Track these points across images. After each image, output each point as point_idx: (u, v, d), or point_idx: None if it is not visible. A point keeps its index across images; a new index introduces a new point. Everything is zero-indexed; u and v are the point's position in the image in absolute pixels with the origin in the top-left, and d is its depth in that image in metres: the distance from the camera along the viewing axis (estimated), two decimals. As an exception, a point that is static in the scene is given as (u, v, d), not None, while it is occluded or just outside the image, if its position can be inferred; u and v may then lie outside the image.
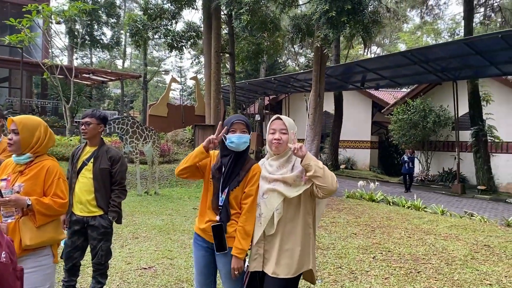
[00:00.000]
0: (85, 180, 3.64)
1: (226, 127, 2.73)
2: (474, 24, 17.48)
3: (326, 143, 23.21)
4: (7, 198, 2.46)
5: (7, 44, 14.81)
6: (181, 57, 43.27)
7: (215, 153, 2.89)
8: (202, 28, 18.44)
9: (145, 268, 5.01)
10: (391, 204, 10.91)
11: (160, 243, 6.15)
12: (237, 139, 2.69)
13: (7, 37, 13.99)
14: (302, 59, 37.58)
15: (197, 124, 16.98)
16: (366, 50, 33.93)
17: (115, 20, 29.28)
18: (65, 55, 31.74)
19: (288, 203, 2.61)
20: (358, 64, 16.56)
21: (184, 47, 19.17)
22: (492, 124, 15.92)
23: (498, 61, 13.70)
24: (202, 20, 18.56)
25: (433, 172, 19.09)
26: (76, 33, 20.47)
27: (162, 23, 18.24)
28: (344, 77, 18.78)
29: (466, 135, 16.80)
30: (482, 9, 23.29)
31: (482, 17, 23.80)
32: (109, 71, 25.56)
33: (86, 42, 28.04)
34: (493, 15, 23.43)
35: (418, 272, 5.17)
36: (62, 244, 3.75)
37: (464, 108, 16.44)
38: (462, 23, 19.76)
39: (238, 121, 2.75)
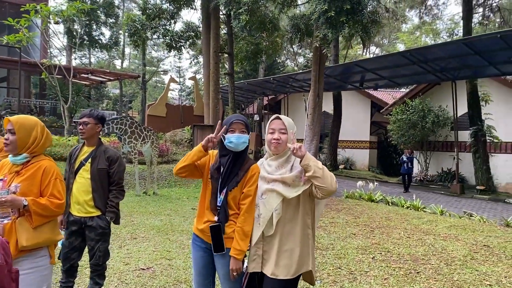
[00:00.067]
0: (83, 181, 3.63)
1: (225, 126, 2.71)
2: (472, 24, 17.46)
3: (325, 143, 23.19)
4: (3, 199, 2.43)
5: (5, 44, 14.78)
6: (179, 57, 43.11)
7: (214, 152, 2.87)
8: (200, 28, 18.42)
9: (143, 269, 4.98)
10: (390, 204, 10.89)
11: (158, 244, 6.12)
12: (236, 139, 2.67)
13: (5, 37, 13.95)
14: (301, 59, 37.59)
15: (196, 124, 16.96)
16: (365, 50, 33.96)
17: (114, 20, 29.26)
18: (63, 55, 31.72)
19: (287, 204, 2.58)
20: (357, 64, 16.55)
21: (182, 47, 19.14)
22: (491, 124, 15.93)
23: (497, 61, 13.69)
24: (200, 20, 18.56)
25: (432, 172, 19.09)
26: (74, 33, 20.36)
27: (160, 23, 18.20)
28: (343, 77, 18.76)
29: (465, 135, 16.81)
30: (480, 10, 23.29)
31: (480, 17, 23.79)
32: (108, 71, 25.50)
33: (85, 42, 28.02)
34: (491, 15, 23.44)
35: (417, 272, 5.15)
36: (59, 245, 3.72)
37: (463, 108, 16.44)
38: (461, 23, 19.80)
39: (237, 121, 2.72)
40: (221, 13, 17.18)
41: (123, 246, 5.94)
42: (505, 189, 16.47)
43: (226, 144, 2.70)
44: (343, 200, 11.23)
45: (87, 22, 26.60)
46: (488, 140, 15.85)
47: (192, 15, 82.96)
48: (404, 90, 25.29)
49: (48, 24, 15.94)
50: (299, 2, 14.58)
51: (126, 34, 19.32)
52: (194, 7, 18.18)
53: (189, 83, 39.73)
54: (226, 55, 19.11)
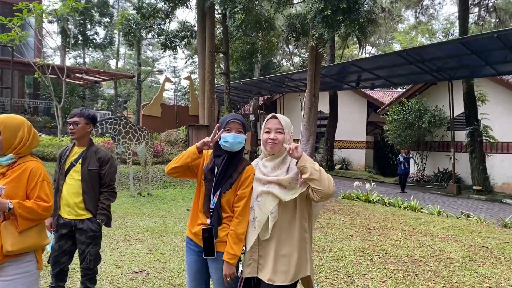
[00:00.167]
0: (73, 182, 3.53)
1: (221, 128, 2.62)
2: (468, 24, 17.44)
3: (321, 143, 23.15)
4: (-13, 202, 2.33)
5: (-2, 43, 14.64)
6: (175, 57, 43.13)
7: (208, 152, 2.77)
8: (196, 28, 18.29)
9: (136, 272, 4.88)
10: (387, 205, 10.82)
11: (152, 246, 6.02)
12: (232, 139, 2.57)
13: (-3, 36, 13.82)
14: (296, 59, 37.54)
15: (191, 124, 16.84)
16: (361, 50, 33.94)
17: (108, 20, 29.07)
18: (57, 55, 31.51)
19: (284, 207, 2.49)
20: (353, 63, 16.48)
21: (178, 47, 19.02)
22: (487, 124, 15.91)
23: (494, 61, 13.67)
24: (196, 19, 18.42)
25: (429, 172, 19.07)
26: (68, 33, 20.21)
27: (155, 22, 18.08)
28: (339, 77, 18.71)
29: (461, 135, 16.77)
30: (476, 10, 23.32)
31: (476, 17, 23.84)
32: (102, 71, 25.35)
33: (79, 41, 27.85)
34: (487, 15, 23.48)
35: (416, 274, 5.08)
36: (49, 248, 3.63)
37: (459, 108, 16.42)
38: (457, 23, 19.76)
39: (234, 120, 2.63)
40: (216, 12, 17.09)
41: (116, 249, 5.84)
42: (501, 189, 16.47)
43: (222, 144, 2.60)
44: (340, 201, 11.16)
45: (81, 21, 26.45)
46: (485, 140, 15.84)
47: (187, 14, 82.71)
48: (400, 90, 25.31)
49: (42, 23, 15.77)
50: (295, 1, 14.54)
51: (121, 33, 19.17)
52: (189, 6, 18.06)
53: (185, 83, 39.65)
54: (221, 55, 19.04)
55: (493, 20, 24.80)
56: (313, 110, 13.25)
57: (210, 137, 2.60)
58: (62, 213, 3.52)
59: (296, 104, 24.37)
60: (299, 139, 13.56)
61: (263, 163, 2.63)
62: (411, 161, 17.72)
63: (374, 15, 11.91)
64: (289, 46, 32.00)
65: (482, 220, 8.91)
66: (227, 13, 13.40)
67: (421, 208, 10.15)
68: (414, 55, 14.20)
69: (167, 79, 24.04)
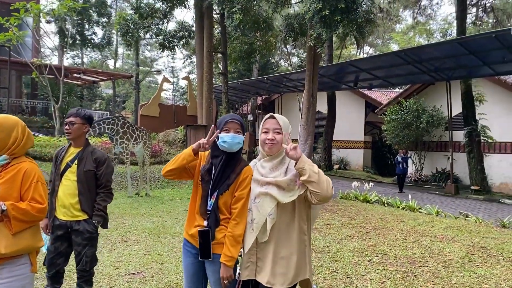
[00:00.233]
0: (69, 183, 3.48)
1: (218, 130, 2.57)
2: (466, 24, 17.43)
3: (319, 143, 23.10)
4: (-21, 204, 2.28)
5: (-5, 43, 14.54)
6: (173, 57, 43.08)
7: (205, 153, 2.71)
8: (194, 28, 18.25)
9: (133, 274, 4.83)
10: (385, 205, 10.79)
11: (150, 247, 5.97)
12: (231, 139, 2.53)
13: (-6, 36, 13.73)
14: (294, 59, 37.51)
15: (189, 124, 16.78)
16: (358, 50, 33.93)
17: (106, 20, 28.99)
18: (55, 55, 31.41)
19: (282, 208, 2.45)
20: (351, 63, 16.46)
21: (176, 47, 18.97)
22: (485, 124, 15.90)
23: (492, 61, 13.65)
24: (194, 19, 18.39)
25: (427, 172, 19.05)
26: (66, 33, 20.17)
27: (153, 22, 18.02)
28: (337, 77, 18.67)
29: (459, 135, 16.78)
30: (474, 10, 23.33)
31: (474, 18, 23.85)
32: (100, 71, 25.27)
33: (77, 41, 27.75)
34: (485, 15, 23.49)
35: (415, 275, 5.04)
36: (44, 250, 3.58)
37: (457, 108, 16.41)
38: (454, 24, 19.79)
39: (232, 120, 2.58)
40: (214, 12, 17.03)
41: (114, 250, 5.78)
42: (499, 189, 16.46)
43: (219, 144, 2.56)
44: (338, 201, 11.12)
45: (79, 21, 26.36)
46: (483, 140, 15.82)
47: (185, 15, 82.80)
48: (398, 90, 25.26)
49: (39, 23, 15.69)
50: (293, 1, 14.49)
51: (119, 33, 19.10)
52: (187, 6, 18.02)
53: (183, 83, 39.61)
54: (219, 55, 18.99)
55: (490, 21, 24.82)
56: (311, 110, 13.20)
57: (206, 138, 2.55)
58: (57, 214, 3.47)
59: (294, 104, 24.34)
60: (297, 139, 13.51)
61: (261, 164, 2.59)
62: (409, 161, 17.70)
63: (372, 15, 11.86)
64: (287, 46, 32.00)
65: (480, 220, 8.89)
66: (225, 13, 13.37)
67: (419, 208, 10.12)
68: (412, 55, 14.17)
69: (165, 79, 23.97)
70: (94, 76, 24.01)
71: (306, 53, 15.60)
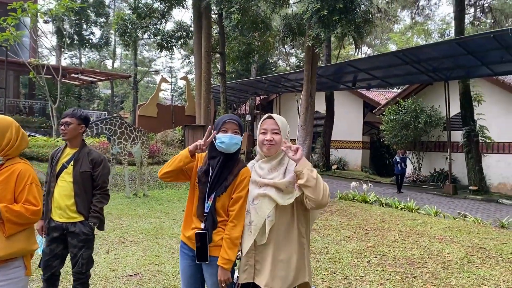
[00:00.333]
0: (65, 184, 3.43)
1: (215, 130, 2.53)
2: (464, 25, 17.42)
3: (318, 143, 23.09)
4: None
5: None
6: (171, 57, 42.99)
7: (202, 154, 2.67)
8: (192, 28, 18.21)
9: (130, 275, 4.78)
10: (384, 205, 10.75)
11: (147, 248, 5.92)
12: (228, 140, 2.49)
13: (-9, 36, 13.66)
14: (293, 59, 37.47)
15: (187, 125, 16.75)
16: (357, 51, 33.89)
17: (104, 20, 28.92)
18: (53, 55, 31.31)
19: (281, 210, 2.41)
20: (349, 64, 16.45)
21: (174, 47, 18.95)
22: (483, 125, 15.91)
23: (490, 61, 13.65)
24: (192, 19, 18.35)
25: (425, 172, 19.05)
26: (64, 33, 20.09)
27: (151, 22, 17.99)
28: (336, 77, 18.66)
29: (457, 136, 16.78)
30: (472, 10, 23.34)
31: (472, 18, 23.86)
32: (98, 71, 25.22)
33: (75, 41, 27.67)
34: (483, 16, 23.50)
35: (414, 277, 5.00)
36: (39, 252, 3.53)
37: (455, 109, 16.40)
38: (452, 24, 19.81)
39: (230, 121, 2.54)
40: (212, 12, 17.01)
41: (111, 251, 5.73)
42: (497, 189, 16.47)
43: (217, 145, 2.51)
44: (337, 202, 11.09)
45: (77, 21, 26.28)
46: (481, 140, 15.83)
47: (183, 15, 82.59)
48: (396, 90, 25.26)
49: (37, 23, 15.62)
50: (291, 2, 14.44)
51: (117, 33, 19.04)
52: (185, 6, 17.98)
53: (181, 83, 39.48)
54: (218, 55, 18.93)
55: (488, 21, 24.85)
56: (309, 110, 13.17)
57: (203, 140, 2.52)
58: (53, 216, 3.42)
59: (292, 104, 24.31)
60: (295, 139, 13.48)
61: (259, 165, 2.54)
62: (408, 161, 17.69)
63: (370, 16, 11.83)
64: (286, 46, 31.86)
65: (479, 221, 8.87)
66: (224, 13, 13.33)
67: (418, 209, 10.09)
68: (410, 55, 14.17)
69: (163, 79, 23.92)
70: (92, 76, 23.94)
71: (304, 53, 15.57)
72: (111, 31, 30.11)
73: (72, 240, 3.40)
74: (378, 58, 16.70)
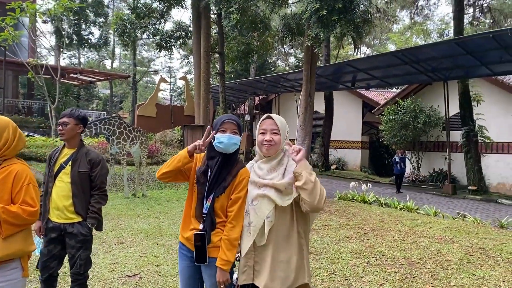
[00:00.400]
0: (63, 185, 3.41)
1: (214, 130, 2.51)
2: (463, 24, 17.41)
3: (317, 143, 23.09)
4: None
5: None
6: (170, 57, 43.04)
7: (201, 154, 2.66)
8: (191, 28, 18.20)
9: (129, 276, 4.76)
10: (383, 205, 10.75)
11: (146, 249, 5.90)
12: (227, 140, 2.47)
13: (-10, 36, 13.62)
14: (292, 59, 37.48)
15: (186, 125, 16.74)
16: (356, 51, 33.89)
17: (103, 19, 28.90)
18: (52, 55, 31.31)
19: (280, 211, 2.39)
20: (348, 64, 16.43)
21: (173, 47, 18.93)
22: (482, 125, 15.89)
23: (489, 61, 13.63)
24: (191, 19, 18.34)
25: (424, 172, 19.04)
26: (63, 33, 20.06)
27: (150, 22, 17.98)
28: (335, 77, 18.65)
29: (456, 136, 16.77)
30: (471, 10, 23.34)
31: (471, 18, 23.86)
32: (97, 71, 25.18)
33: (74, 41, 27.65)
34: (482, 16, 23.50)
35: (413, 277, 4.99)
36: (37, 253, 3.51)
37: (454, 109, 16.39)
38: (452, 24, 19.77)
39: (229, 121, 2.53)
40: (211, 12, 17.00)
41: (109, 252, 5.71)
42: (496, 189, 16.47)
43: (215, 145, 2.50)
44: (336, 202, 11.08)
45: (76, 21, 26.26)
46: (480, 140, 15.82)
47: (182, 15, 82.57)
48: (395, 90, 25.27)
49: (35, 22, 15.59)
50: (290, 2, 14.43)
51: (116, 33, 19.02)
52: (184, 6, 17.97)
53: (180, 83, 39.53)
54: (217, 55, 18.93)
55: (487, 21, 24.84)
56: (308, 110, 13.17)
57: (202, 140, 2.50)
58: (51, 217, 3.40)
59: (291, 104, 24.30)
60: (294, 139, 13.47)
61: (259, 165, 2.53)
62: (407, 161, 17.69)
63: (369, 15, 11.82)
64: (285, 46, 31.89)
65: (478, 221, 8.86)
66: (223, 13, 13.31)
67: (417, 209, 10.08)
68: (409, 55, 14.15)
69: (162, 79, 23.90)
70: (91, 76, 23.91)
71: (303, 53, 15.57)
72: (110, 31, 30.07)
73: (70, 241, 3.38)
74: (377, 58, 16.69)
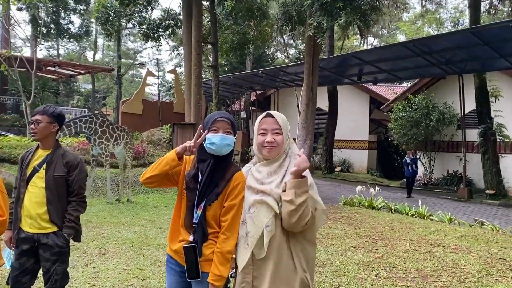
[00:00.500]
0: (36, 190, 3.35)
1: (206, 129, 2.44)
2: (480, 13, 17.42)
3: (320, 143, 23.06)
4: None
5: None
6: (158, 48, 42.92)
7: (191, 157, 2.60)
8: (181, 16, 18.14)
9: (111, 291, 4.70)
10: (393, 211, 10.73)
11: (130, 261, 5.84)
12: (219, 141, 2.41)
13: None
14: (292, 51, 37.50)
15: (176, 123, 16.68)
16: (362, 41, 33.90)
17: (84, 7, 28.88)
18: (27, 46, 31.18)
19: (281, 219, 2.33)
20: (354, 55, 16.43)
21: (161, 37, 18.91)
22: (501, 122, 15.89)
23: (508, 52, 13.64)
24: (181, 6, 18.27)
25: (437, 175, 19.05)
26: (40, 21, 19.99)
27: (136, 9, 17.92)
28: (339, 70, 18.64)
29: (473, 134, 16.74)
30: (488, -3, 23.36)
31: (488, 6, 23.87)
32: (78, 63, 25.13)
33: (52, 31, 27.55)
34: (500, 3, 23.52)
35: (427, 292, 4.94)
36: (7, 266, 3.45)
37: (470, 105, 16.38)
38: (467, 12, 19.78)
39: (221, 119, 2.46)
40: (204, -2, 16.95)
41: (90, 264, 5.65)
42: (516, 193, 16.47)
43: (206, 146, 2.43)
44: (341, 208, 11.05)
45: (54, 8, 26.16)
46: (498, 140, 15.82)
47: (171, 1, 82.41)
48: (406, 85, 25.29)
49: (9, 10, 15.50)
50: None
51: (98, 22, 18.95)
52: (173, -8, 17.91)
53: (169, 77, 39.44)
54: (209, 46, 18.88)
55: (506, 9, 24.87)
56: (310, 107, 13.15)
57: (193, 140, 2.44)
58: (23, 226, 3.33)
59: (292, 100, 24.27)
60: (295, 139, 13.43)
61: (257, 168, 2.47)
62: (418, 163, 17.68)
63: (377, 2, 11.82)
64: (284, 36, 31.88)
65: (497, 228, 8.84)
66: (216, -1, 13.27)
67: (430, 215, 10.07)
68: (421, 46, 14.15)
69: (150, 73, 23.86)
70: (71, 70, 23.84)
71: (304, 44, 15.54)
72: (92, 20, 29.99)
73: (44, 253, 3.32)
74: (386, 49, 16.71)
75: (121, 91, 36.35)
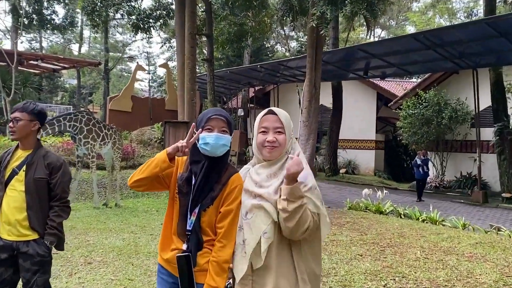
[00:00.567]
0: (15, 194, 3.34)
1: (200, 128, 2.42)
2: (495, 2, 17.44)
3: (323, 142, 23.11)
4: None
5: None
6: (149, 40, 43.02)
7: (184, 158, 2.58)
8: (173, 6, 18.14)
9: (98, 304, 4.68)
10: (402, 216, 10.75)
11: (119, 270, 5.83)
12: (214, 141, 2.38)
13: None
14: (293, 44, 37.57)
15: (168, 121, 16.65)
16: (369, 33, 33.97)
17: (69, -4, 28.82)
18: (7, 38, 31.18)
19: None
20: (360, 48, 16.44)
21: (152, 28, 18.88)
22: (519, 120, 15.93)
23: (526, 45, 13.67)
24: (173, -5, 18.29)
25: (449, 177, 19.09)
26: (21, 11, 19.96)
27: (125, -1, 17.91)
28: (344, 64, 18.66)
29: (488, 133, 16.76)
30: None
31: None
32: (62, 57, 25.09)
33: (34, 22, 27.51)
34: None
35: (440, 303, 4.93)
36: (-16, 278, 3.42)
37: (485, 101, 16.41)
38: (481, 2, 19.80)
39: (216, 117, 2.44)
40: (198, -14, 16.94)
41: (74, 274, 5.63)
42: (535, 196, 16.49)
43: (200, 146, 2.41)
44: (346, 212, 11.06)
45: (37, -3, 26.15)
46: (516, 139, 15.85)
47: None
48: (416, 80, 25.33)
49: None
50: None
51: (83, 12, 18.94)
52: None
53: (161, 71, 39.48)
54: (204, 38, 18.86)
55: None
56: (313, 104, 13.16)
57: (185, 140, 2.41)
58: (1, 233, 3.33)
59: (293, 96, 24.31)
60: (297, 138, 13.43)
61: (256, 170, 2.44)
62: (429, 164, 17.70)
63: (385, -9, 11.88)
64: (285, 28, 31.95)
65: (515, 235, 8.85)
66: (211, -13, 13.26)
67: (442, 221, 10.09)
68: (432, 38, 14.16)
69: (140, 67, 23.88)
70: (54, 64, 23.84)
71: (307, 36, 15.54)
72: (77, 10, 30.01)
73: (24, 262, 3.30)
74: (394, 41, 16.73)
75: (109, 87, 36.41)
